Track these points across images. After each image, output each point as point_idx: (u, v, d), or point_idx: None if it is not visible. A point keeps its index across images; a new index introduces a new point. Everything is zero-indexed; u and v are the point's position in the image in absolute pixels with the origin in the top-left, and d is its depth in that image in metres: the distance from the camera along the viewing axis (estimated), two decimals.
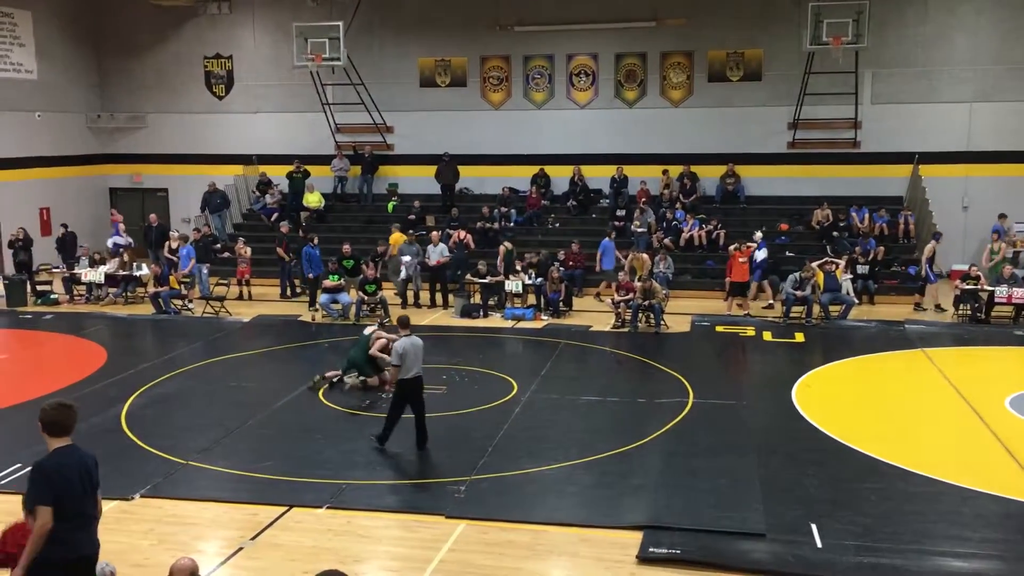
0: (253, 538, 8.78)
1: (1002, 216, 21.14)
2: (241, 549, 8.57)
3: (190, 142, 26.98)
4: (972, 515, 9.18)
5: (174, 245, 21.83)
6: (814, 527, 8.76)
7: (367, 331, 14.27)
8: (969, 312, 18.30)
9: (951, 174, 22.72)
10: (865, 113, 22.98)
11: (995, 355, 15.96)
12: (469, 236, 21.82)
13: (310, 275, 20.03)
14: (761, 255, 20.10)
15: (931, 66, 22.77)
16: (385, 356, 13.29)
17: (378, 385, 13.69)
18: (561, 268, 19.79)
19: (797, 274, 18.23)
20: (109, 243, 23.06)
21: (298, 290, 21.62)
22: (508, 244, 21.06)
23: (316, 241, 20.66)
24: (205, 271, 20.93)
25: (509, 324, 18.59)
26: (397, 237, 21.20)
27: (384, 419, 11.19)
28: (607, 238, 20.94)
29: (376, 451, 11.04)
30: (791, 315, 18.12)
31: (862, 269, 19.92)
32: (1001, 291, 17.91)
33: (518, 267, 19.96)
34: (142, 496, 9.78)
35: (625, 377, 15.02)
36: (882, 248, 20.91)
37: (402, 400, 11.05)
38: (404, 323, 11.19)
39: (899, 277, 20.85)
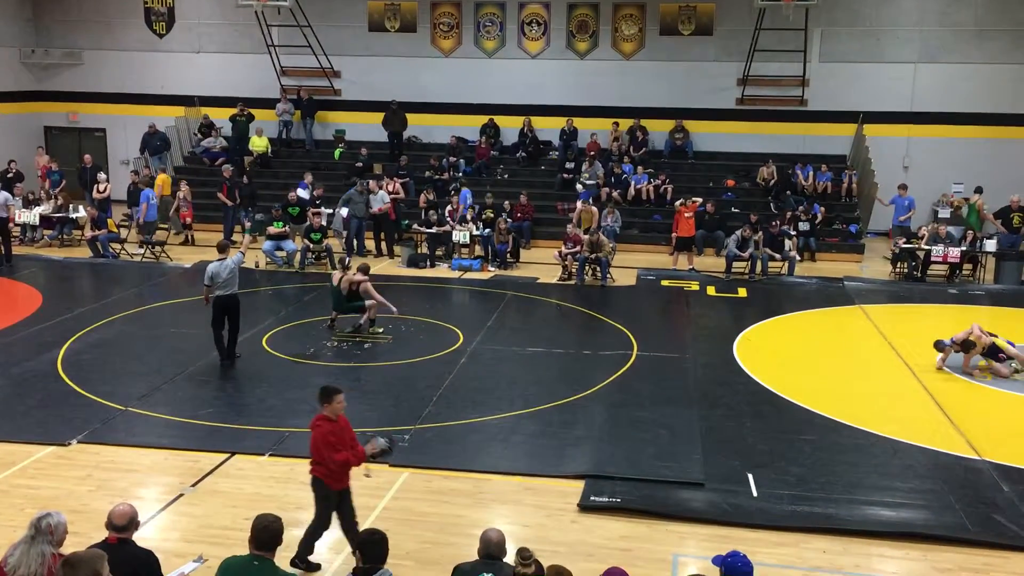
0: (194, 485, 8.72)
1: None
2: (182, 495, 8.51)
3: (129, 81, 26.08)
4: (902, 466, 9.50)
5: (102, 188, 21.25)
6: (751, 477, 9.01)
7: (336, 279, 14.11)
8: (906, 270, 18.76)
9: (894, 134, 23.06)
10: (813, 71, 23.12)
11: (930, 312, 16.40)
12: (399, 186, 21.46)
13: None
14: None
15: (878, 25, 22.96)
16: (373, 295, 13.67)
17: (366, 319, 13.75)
18: (509, 220, 19.73)
19: (738, 233, 18.49)
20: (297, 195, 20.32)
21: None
22: (429, 194, 20.90)
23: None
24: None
25: (456, 275, 18.54)
26: (164, 179, 22.18)
27: None
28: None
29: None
30: (732, 270, 18.42)
31: (804, 226, 20.22)
32: (937, 250, 18.37)
33: (469, 217, 19.85)
34: (79, 442, 9.62)
35: (571, 329, 15.13)
36: (823, 208, 21.26)
37: (221, 315, 12.03)
38: (222, 248, 12.21)
39: (840, 235, 21.24)
